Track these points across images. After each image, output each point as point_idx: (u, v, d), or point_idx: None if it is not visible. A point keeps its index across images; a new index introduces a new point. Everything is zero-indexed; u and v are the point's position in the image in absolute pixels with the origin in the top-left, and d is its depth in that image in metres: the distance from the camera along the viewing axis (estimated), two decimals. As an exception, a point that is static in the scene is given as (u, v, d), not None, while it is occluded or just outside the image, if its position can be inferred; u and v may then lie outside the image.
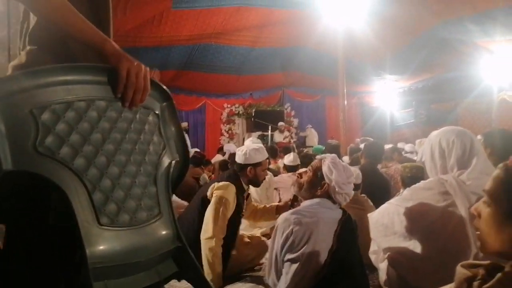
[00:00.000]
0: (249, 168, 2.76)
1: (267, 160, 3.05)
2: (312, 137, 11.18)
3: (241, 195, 2.76)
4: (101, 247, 0.87)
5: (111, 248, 0.88)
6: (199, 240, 2.53)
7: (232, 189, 2.64)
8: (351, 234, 1.96)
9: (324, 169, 2.03)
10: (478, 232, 0.90)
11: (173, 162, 1.09)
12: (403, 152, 6.07)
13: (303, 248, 1.86)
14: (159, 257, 1.00)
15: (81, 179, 0.86)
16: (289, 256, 1.89)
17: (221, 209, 2.56)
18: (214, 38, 8.41)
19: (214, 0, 6.75)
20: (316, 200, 2.03)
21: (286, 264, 1.90)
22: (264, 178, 3.00)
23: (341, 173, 2.00)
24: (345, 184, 2.00)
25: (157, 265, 1.00)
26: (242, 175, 2.79)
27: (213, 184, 2.72)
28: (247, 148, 2.83)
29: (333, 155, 2.14)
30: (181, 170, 1.16)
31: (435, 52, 8.54)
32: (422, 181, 1.97)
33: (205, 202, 2.67)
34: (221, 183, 2.68)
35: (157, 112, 1.08)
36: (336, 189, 1.99)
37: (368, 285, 2.02)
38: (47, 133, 0.83)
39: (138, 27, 6.78)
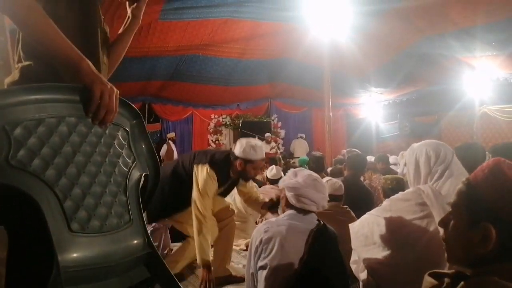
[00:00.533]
0: (239, 161, 2.84)
1: (262, 162, 3.14)
2: (300, 148, 11.24)
3: (222, 179, 2.93)
4: (73, 253, 0.91)
5: (82, 253, 0.93)
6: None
7: (204, 169, 2.85)
8: (326, 245, 1.96)
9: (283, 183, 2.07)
10: (444, 244, 0.94)
11: (143, 174, 1.16)
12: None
13: (272, 254, 1.88)
14: (130, 263, 1.05)
15: (52, 189, 0.91)
16: (260, 263, 1.92)
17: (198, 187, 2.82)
18: (201, 50, 8.47)
19: (202, 12, 6.80)
20: (288, 211, 2.05)
21: (259, 273, 1.92)
22: (255, 176, 3.11)
23: (297, 183, 2.00)
24: (303, 193, 1.98)
25: (128, 271, 1.05)
26: (232, 165, 2.90)
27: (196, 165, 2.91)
28: (247, 142, 2.91)
29: (298, 168, 2.18)
30: (154, 182, 1.24)
31: (419, 66, 8.73)
32: (400, 192, 2.02)
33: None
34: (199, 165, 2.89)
35: (127, 128, 1.15)
36: (294, 201, 2.00)
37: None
38: (19, 147, 0.88)
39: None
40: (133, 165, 1.14)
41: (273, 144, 11.58)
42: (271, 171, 4.84)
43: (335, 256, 1.98)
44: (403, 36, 7.65)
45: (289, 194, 2.01)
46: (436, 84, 9.74)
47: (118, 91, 1.05)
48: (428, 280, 0.90)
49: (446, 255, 0.94)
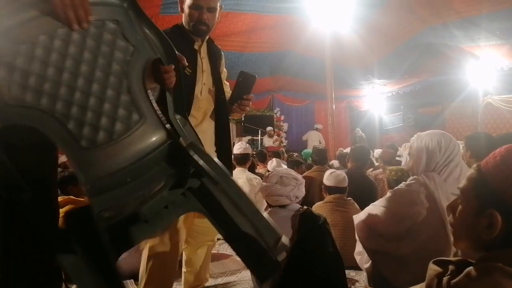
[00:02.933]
0: None
1: None
2: (313, 140, 10.98)
3: None
4: (91, 167, 0.94)
5: (101, 165, 0.96)
6: None
7: None
8: (314, 224, 1.91)
9: None
10: (451, 229, 0.94)
11: (148, 61, 1.09)
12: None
13: None
14: (155, 158, 1.03)
15: (52, 115, 0.92)
16: None
17: None
18: (203, 43, 8.42)
19: (203, 6, 6.76)
20: (268, 210, 2.13)
21: None
22: None
23: (264, 185, 2.07)
24: (272, 191, 2.03)
25: (157, 165, 1.04)
26: None
27: None
28: None
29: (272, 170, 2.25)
30: (170, 58, 1.17)
31: (422, 57, 8.66)
32: (403, 183, 2.02)
33: None
34: None
35: (117, 19, 1.05)
36: (268, 201, 2.08)
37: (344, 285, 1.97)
38: (9, 84, 0.89)
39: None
40: (133, 57, 1.06)
41: (276, 137, 11.57)
42: (271, 164, 4.83)
43: (325, 238, 1.91)
44: (406, 27, 7.59)
45: (264, 196, 2.09)
46: (440, 75, 9.69)
47: None
48: (432, 267, 0.90)
49: (452, 240, 0.94)
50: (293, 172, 2.07)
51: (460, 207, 0.91)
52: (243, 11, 7.23)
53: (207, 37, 1.91)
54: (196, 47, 1.86)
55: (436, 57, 8.62)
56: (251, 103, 1.90)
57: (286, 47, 9.08)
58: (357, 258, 2.29)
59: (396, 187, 2.03)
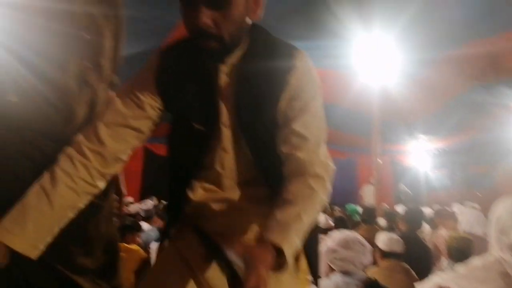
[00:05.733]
0: None
1: None
2: (369, 196, 10.05)
3: None
4: None
5: None
6: None
7: None
8: None
9: None
10: None
11: None
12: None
13: None
14: None
15: None
16: None
17: None
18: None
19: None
20: (331, 275, 2.06)
21: None
22: None
23: (328, 248, 2.00)
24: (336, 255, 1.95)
25: None
26: None
27: None
28: None
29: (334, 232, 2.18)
30: None
31: (470, 114, 8.45)
32: (477, 258, 1.86)
33: None
34: None
35: None
36: (332, 266, 2.02)
37: None
38: None
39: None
40: None
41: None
42: (320, 219, 4.67)
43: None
44: (455, 84, 7.49)
45: (326, 260, 2.00)
46: (489, 133, 9.35)
47: None
48: None
49: None
50: (359, 237, 1.99)
51: None
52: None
53: None
54: None
55: (485, 114, 8.37)
56: None
57: (331, 100, 9.13)
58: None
59: (469, 262, 1.88)
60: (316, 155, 1.14)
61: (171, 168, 1.27)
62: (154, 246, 3.43)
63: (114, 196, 1.64)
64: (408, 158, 12.39)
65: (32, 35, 1.19)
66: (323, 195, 1.10)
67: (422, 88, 7.67)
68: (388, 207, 7.14)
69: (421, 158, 11.85)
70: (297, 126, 1.12)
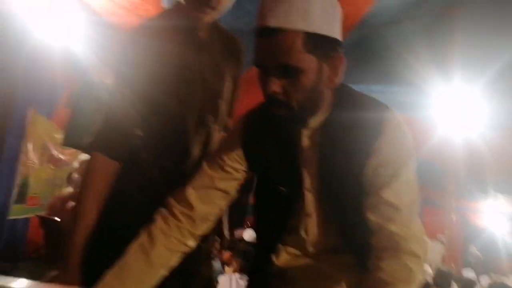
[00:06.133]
0: None
1: None
2: (437, 255, 8.54)
3: None
4: None
5: None
6: None
7: None
8: None
9: None
10: None
11: None
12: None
13: None
14: None
15: None
16: None
17: None
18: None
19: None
20: None
21: None
22: None
23: None
24: None
25: None
26: None
27: None
28: None
29: None
30: None
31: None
32: None
33: None
34: None
35: None
36: None
37: None
38: None
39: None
40: None
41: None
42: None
43: None
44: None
45: None
46: None
47: None
48: None
49: None
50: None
51: None
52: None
53: None
54: None
55: None
56: None
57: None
58: None
59: None
60: (410, 229, 1.03)
61: (258, 230, 1.32)
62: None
63: (215, 238, 1.74)
64: (481, 218, 11.27)
65: (161, 77, 1.28)
66: (420, 276, 0.99)
67: (507, 141, 6.99)
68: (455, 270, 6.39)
69: (496, 219, 10.69)
70: (387, 194, 1.04)
